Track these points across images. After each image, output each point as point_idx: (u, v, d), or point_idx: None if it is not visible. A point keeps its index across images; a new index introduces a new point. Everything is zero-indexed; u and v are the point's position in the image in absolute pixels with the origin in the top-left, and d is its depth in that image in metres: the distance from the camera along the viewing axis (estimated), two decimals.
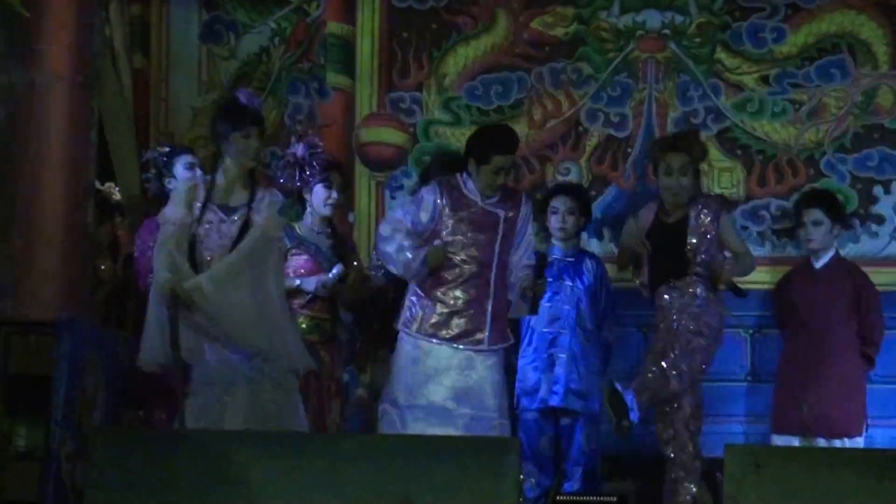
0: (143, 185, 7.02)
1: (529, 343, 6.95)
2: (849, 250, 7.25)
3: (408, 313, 6.14)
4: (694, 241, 6.54)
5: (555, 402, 6.87)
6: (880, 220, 7.50)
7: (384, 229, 6.21)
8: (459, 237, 6.16)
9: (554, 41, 7.69)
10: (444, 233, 6.15)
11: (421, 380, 6.05)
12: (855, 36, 7.56)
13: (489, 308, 6.13)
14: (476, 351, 6.10)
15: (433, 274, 6.13)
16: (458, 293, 6.12)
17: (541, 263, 6.20)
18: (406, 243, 6.09)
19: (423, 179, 6.75)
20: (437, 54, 7.73)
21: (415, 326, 6.10)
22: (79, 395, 5.75)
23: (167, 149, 6.53)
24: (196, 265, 5.67)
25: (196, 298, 5.56)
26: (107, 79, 6.94)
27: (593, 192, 7.55)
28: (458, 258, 6.15)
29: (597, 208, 7.50)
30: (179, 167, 6.40)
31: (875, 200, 7.52)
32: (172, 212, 5.73)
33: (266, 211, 5.76)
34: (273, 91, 7.74)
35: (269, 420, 5.66)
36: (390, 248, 6.11)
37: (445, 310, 6.10)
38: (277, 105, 7.76)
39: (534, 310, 6.26)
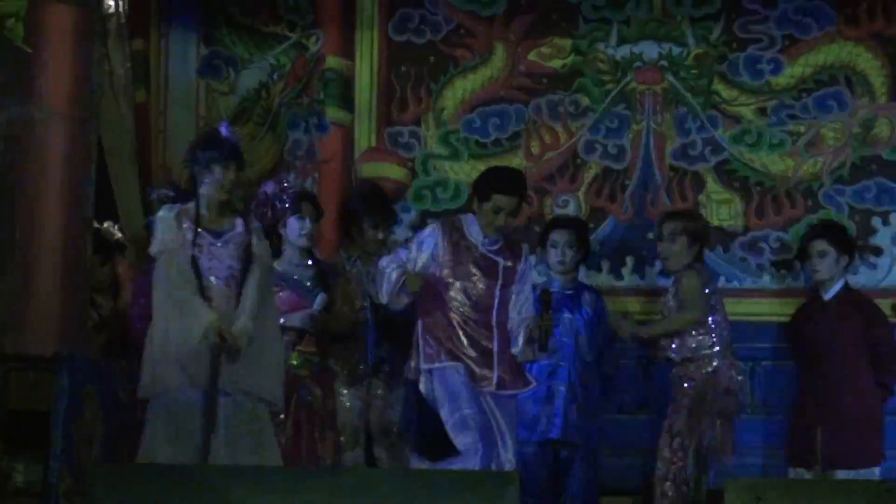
0: (146, 220, 7.06)
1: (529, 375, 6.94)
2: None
3: (426, 354, 6.11)
4: None
5: (554, 434, 6.86)
6: (878, 251, 7.51)
7: (382, 261, 6.23)
8: (460, 280, 6.14)
9: (551, 73, 7.72)
10: (445, 275, 6.13)
11: (460, 395, 6.02)
12: (852, 67, 7.59)
13: (494, 350, 6.11)
14: (486, 392, 6.08)
15: (434, 317, 6.10)
16: (461, 336, 6.10)
17: (545, 299, 6.14)
18: (394, 275, 6.08)
19: (348, 213, 6.84)
20: (436, 88, 7.76)
21: (429, 361, 6.08)
22: (77, 431, 5.73)
23: (172, 193, 6.52)
24: (202, 290, 5.70)
25: (243, 343, 5.60)
26: (109, 114, 6.96)
27: (591, 224, 7.55)
28: (458, 301, 6.13)
29: (595, 241, 7.51)
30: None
31: (873, 232, 7.52)
32: (171, 237, 5.75)
33: (261, 240, 5.82)
34: (272, 126, 7.76)
35: (246, 452, 5.64)
36: (380, 279, 6.14)
37: (452, 351, 6.08)
38: (276, 140, 7.78)
39: (543, 348, 6.17)
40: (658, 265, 7.59)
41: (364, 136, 7.75)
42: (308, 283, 6.44)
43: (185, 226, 5.75)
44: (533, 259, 7.46)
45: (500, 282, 6.16)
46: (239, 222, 5.82)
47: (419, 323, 6.16)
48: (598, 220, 7.65)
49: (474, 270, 6.14)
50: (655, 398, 7.09)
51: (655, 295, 7.53)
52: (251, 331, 5.65)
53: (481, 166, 7.64)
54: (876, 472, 6.77)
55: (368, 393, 6.64)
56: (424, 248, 6.15)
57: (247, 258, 5.75)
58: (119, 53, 7.16)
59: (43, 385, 5.65)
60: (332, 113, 7.73)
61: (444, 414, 6.03)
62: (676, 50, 7.67)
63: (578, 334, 6.98)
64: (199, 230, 5.74)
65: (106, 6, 6.94)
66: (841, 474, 6.65)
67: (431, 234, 6.18)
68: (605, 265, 7.64)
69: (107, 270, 6.70)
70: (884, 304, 7.16)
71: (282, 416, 6.25)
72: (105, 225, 6.78)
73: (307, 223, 6.47)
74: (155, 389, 5.72)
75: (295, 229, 6.46)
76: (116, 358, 6.54)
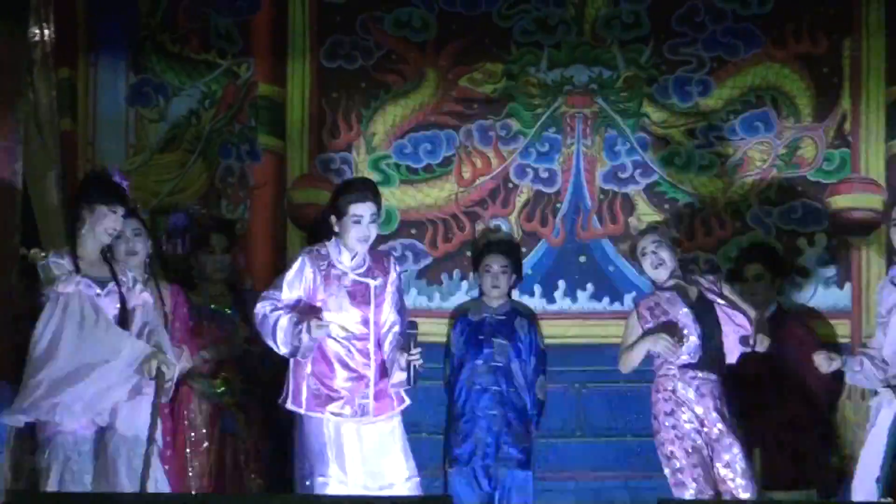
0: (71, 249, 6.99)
1: (462, 399, 6.93)
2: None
3: (293, 391, 6.01)
4: None
5: (487, 459, 6.84)
6: (805, 272, 7.55)
7: (259, 307, 5.99)
8: (334, 312, 6.06)
9: (482, 98, 7.73)
10: (314, 303, 6.03)
11: (323, 453, 5.95)
12: (778, 88, 7.64)
13: (372, 381, 6.04)
14: (364, 423, 6.01)
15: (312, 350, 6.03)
16: (338, 368, 6.03)
17: (411, 332, 5.97)
18: (285, 322, 5.93)
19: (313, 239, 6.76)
20: (367, 113, 7.75)
21: (302, 405, 5.98)
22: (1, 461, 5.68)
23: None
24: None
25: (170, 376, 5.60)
26: (32, 143, 6.90)
27: (524, 249, 7.54)
28: (335, 333, 6.05)
29: (527, 264, 7.51)
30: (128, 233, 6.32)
31: (800, 253, 7.56)
32: (74, 285, 5.69)
33: (144, 288, 5.82)
34: (203, 153, 7.72)
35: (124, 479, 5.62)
36: (267, 328, 5.95)
37: (328, 385, 6.00)
38: (207, 167, 7.74)
39: (411, 382, 6.00)
40: (590, 289, 7.60)
41: (296, 162, 7.72)
42: (228, 312, 6.40)
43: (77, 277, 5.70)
44: (465, 284, 7.51)
45: (373, 306, 6.08)
46: (111, 274, 5.78)
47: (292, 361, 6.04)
48: (530, 244, 7.64)
49: (348, 299, 6.05)
50: (588, 422, 7.12)
51: (587, 318, 7.54)
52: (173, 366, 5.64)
53: (413, 192, 7.69)
54: (814, 494, 6.78)
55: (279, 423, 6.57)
56: (296, 287, 6.03)
57: (123, 310, 5.73)
58: (44, 83, 7.11)
59: None
60: (264, 139, 7.71)
61: (297, 464, 6.00)
62: (606, 73, 7.70)
63: (511, 359, 6.96)
64: (84, 278, 5.69)
65: (31, 34, 6.89)
66: (782, 496, 6.66)
67: (300, 270, 6.05)
68: (538, 289, 7.63)
69: (34, 297, 6.63)
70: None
71: (205, 444, 6.21)
72: (32, 251, 6.72)
73: (217, 257, 6.44)
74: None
75: (208, 265, 6.44)
76: None
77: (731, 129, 7.65)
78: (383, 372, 6.04)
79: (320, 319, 5.90)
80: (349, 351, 6.01)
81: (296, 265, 6.08)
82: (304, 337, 5.84)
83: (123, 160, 7.65)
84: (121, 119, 7.71)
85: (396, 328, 6.07)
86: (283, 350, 5.94)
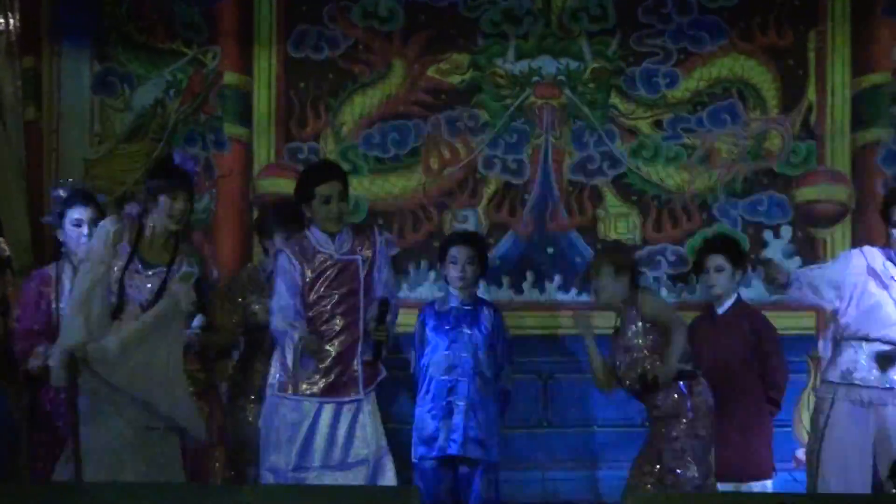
0: (33, 234, 6.97)
1: (427, 391, 6.93)
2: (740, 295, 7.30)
3: (276, 373, 6.04)
4: None
5: (453, 450, 6.83)
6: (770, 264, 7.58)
7: (274, 323, 6.04)
8: (322, 294, 6.06)
9: (450, 88, 7.72)
10: (312, 289, 6.03)
11: (297, 440, 5.95)
12: (745, 80, 7.67)
13: (359, 362, 6.05)
14: (350, 402, 6.02)
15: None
16: (328, 351, 6.02)
17: (382, 309, 6.01)
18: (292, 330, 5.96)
19: (260, 231, 6.77)
20: (334, 103, 7.73)
21: (288, 387, 5.99)
22: None
23: (64, 195, 6.42)
24: (121, 309, 5.67)
25: (97, 360, 5.53)
26: None
27: (491, 240, 7.56)
28: (325, 316, 6.06)
29: (495, 255, 7.51)
30: (67, 223, 6.29)
31: (765, 245, 7.60)
32: (99, 250, 5.70)
33: (181, 281, 5.77)
34: (169, 142, 7.68)
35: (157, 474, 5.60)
36: (280, 337, 6.02)
37: (318, 369, 6.00)
38: None
39: (375, 356, 6.03)
40: (557, 280, 7.62)
41: (263, 151, 7.71)
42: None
43: (121, 245, 5.71)
44: (433, 274, 7.50)
45: (361, 283, 6.09)
46: (176, 262, 5.78)
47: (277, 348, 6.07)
48: (498, 234, 7.65)
49: (336, 281, 6.07)
50: (554, 413, 7.12)
51: (555, 309, 7.56)
52: (114, 353, 5.56)
53: (381, 182, 7.67)
54: (768, 486, 6.81)
55: None
56: (288, 282, 6.03)
57: (161, 292, 5.72)
58: (9, 71, 7.08)
59: None
60: (230, 129, 7.68)
61: (262, 446, 6.01)
62: (574, 64, 7.71)
63: (477, 350, 6.96)
64: (135, 256, 5.70)
65: None
66: (732, 487, 6.68)
67: (284, 263, 6.05)
68: (506, 280, 7.64)
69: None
70: (776, 318, 7.22)
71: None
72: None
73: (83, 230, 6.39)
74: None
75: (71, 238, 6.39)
76: (3, 377, 6.42)
77: (699, 120, 7.67)
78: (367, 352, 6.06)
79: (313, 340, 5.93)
80: (340, 332, 6.01)
81: (279, 260, 6.09)
82: (309, 366, 5.95)
83: (87, 149, 7.62)
84: (85, 108, 7.67)
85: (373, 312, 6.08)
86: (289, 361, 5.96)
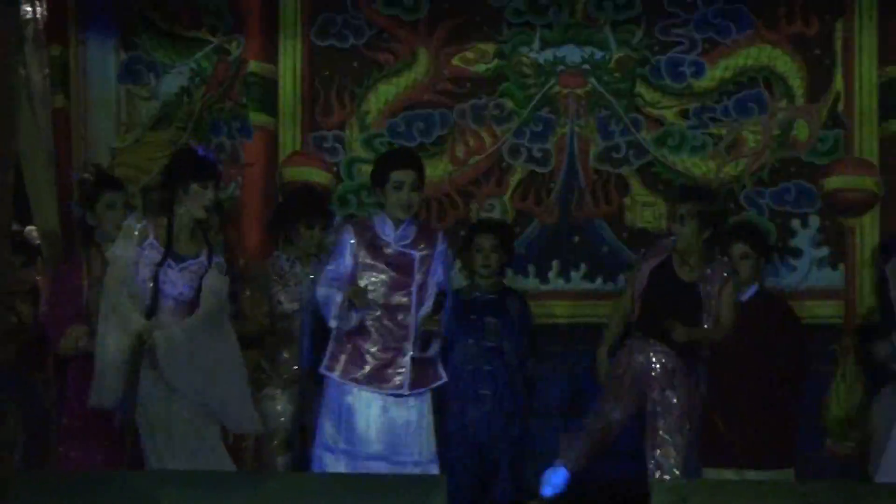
0: (62, 221, 6.99)
1: (453, 379, 6.92)
2: (767, 284, 7.30)
3: (329, 357, 6.05)
4: None
5: (481, 438, 6.85)
6: (798, 253, 7.59)
7: (319, 290, 6.02)
8: (375, 281, 6.07)
9: (475, 77, 7.73)
10: (362, 277, 6.03)
11: (346, 424, 5.97)
12: (771, 69, 7.66)
13: (408, 353, 6.05)
14: (396, 395, 6.01)
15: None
16: (376, 337, 6.03)
17: (439, 300, 5.97)
18: (339, 297, 5.92)
19: (279, 218, 6.77)
20: (359, 92, 7.74)
21: (337, 370, 6.02)
22: None
23: (93, 178, 6.44)
24: (156, 306, 5.66)
25: (161, 346, 5.56)
26: (24, 120, 6.87)
27: (517, 228, 7.56)
28: (376, 303, 6.04)
29: (521, 244, 7.52)
30: (101, 206, 6.30)
31: (793, 234, 7.60)
32: (124, 250, 5.70)
33: (218, 271, 5.80)
34: (195, 131, 7.70)
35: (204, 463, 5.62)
36: (327, 307, 5.98)
37: (364, 354, 6.00)
38: (198, 145, 7.71)
39: (423, 348, 6.00)
40: (583, 268, 7.62)
41: (288, 140, 7.72)
42: None
43: (148, 241, 5.69)
44: (458, 263, 7.51)
45: (416, 277, 6.08)
46: (203, 253, 5.78)
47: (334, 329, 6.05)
48: (523, 223, 7.66)
49: (390, 270, 6.06)
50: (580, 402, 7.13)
51: (581, 298, 7.56)
52: (179, 340, 5.59)
53: None
54: (791, 473, 6.81)
55: (304, 397, 6.56)
56: (347, 255, 6.04)
57: (199, 288, 5.71)
58: (36, 59, 7.10)
59: None
60: (256, 117, 7.69)
61: (319, 426, 6.01)
62: (599, 54, 7.71)
63: (503, 338, 6.97)
64: (162, 249, 5.69)
65: (23, 12, 6.86)
66: (754, 475, 6.69)
67: (346, 239, 6.04)
68: (532, 269, 7.65)
69: (28, 274, 6.61)
70: (803, 306, 7.22)
71: None
72: (27, 228, 6.70)
73: (118, 214, 6.38)
74: (101, 401, 5.62)
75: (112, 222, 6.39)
76: (34, 364, 6.45)
77: (724, 109, 7.67)
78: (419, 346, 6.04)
79: (362, 289, 5.91)
80: (388, 322, 6.01)
81: (342, 234, 6.08)
82: (352, 314, 5.87)
83: (114, 138, 7.64)
84: (112, 97, 7.70)
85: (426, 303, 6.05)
86: (332, 323, 5.93)
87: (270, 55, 7.73)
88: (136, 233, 5.71)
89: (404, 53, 7.74)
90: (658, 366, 6.41)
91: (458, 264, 7.54)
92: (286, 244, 6.82)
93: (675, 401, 6.38)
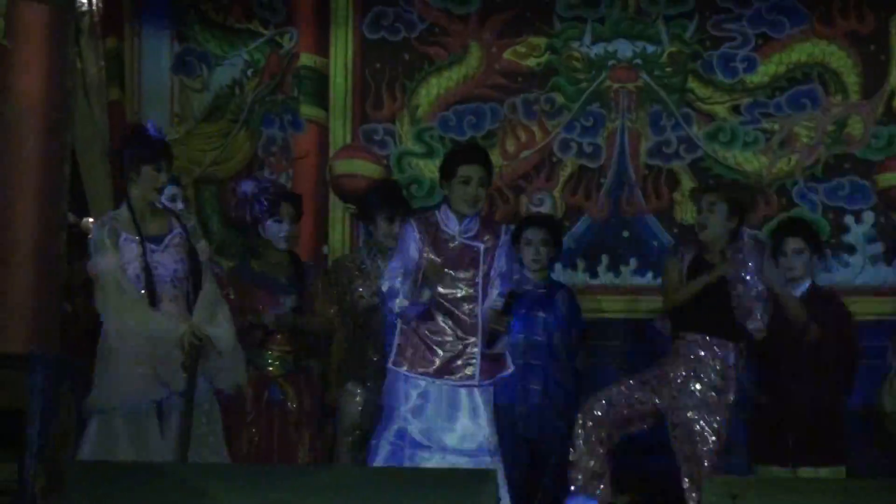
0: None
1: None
2: (820, 280, 7.26)
3: (396, 350, 6.03)
4: None
5: (530, 433, 6.86)
6: (851, 249, 7.56)
7: (383, 285, 5.97)
8: (446, 273, 6.06)
9: (526, 71, 7.74)
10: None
11: (411, 416, 5.97)
12: (825, 65, 7.63)
13: (477, 343, 6.05)
14: (466, 387, 6.02)
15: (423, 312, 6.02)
16: (444, 329, 6.04)
17: (509, 301, 5.94)
18: (407, 283, 5.90)
19: (362, 213, 6.77)
20: (410, 85, 7.76)
21: (404, 364, 6.04)
22: (53, 429, 5.69)
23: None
24: (153, 295, 5.57)
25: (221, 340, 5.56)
26: (80, 112, 6.92)
27: (567, 223, 7.56)
28: (442, 295, 6.04)
29: (570, 239, 7.52)
30: (163, 199, 6.30)
31: (846, 230, 7.57)
32: (106, 261, 5.56)
33: (199, 239, 5.71)
34: (246, 123, 7.76)
35: (198, 448, 5.59)
36: (389, 296, 5.94)
37: (433, 346, 6.01)
38: (250, 137, 7.77)
39: (489, 345, 5.97)
40: (633, 263, 7.61)
41: (339, 133, 7.75)
42: (285, 283, 6.40)
43: (123, 238, 5.56)
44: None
45: (481, 269, 6.08)
46: (173, 223, 5.65)
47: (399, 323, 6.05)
48: (573, 218, 7.67)
49: (455, 263, 6.06)
50: None
51: (631, 293, 7.55)
52: (222, 336, 5.59)
53: None
54: (842, 471, 6.78)
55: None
56: (412, 250, 5.99)
57: (191, 259, 5.61)
58: (92, 52, 7.14)
59: (17, 384, 5.61)
60: (307, 110, 7.73)
61: (384, 420, 5.99)
62: (651, 48, 7.70)
63: (552, 332, 6.96)
64: (131, 237, 5.55)
65: (79, 4, 6.91)
66: (806, 472, 6.66)
67: (410, 236, 6.01)
68: (581, 263, 7.65)
69: (82, 266, 6.65)
70: (858, 303, 7.18)
71: (251, 415, 6.24)
72: (84, 220, 6.75)
73: (285, 226, 6.41)
74: (111, 402, 5.58)
75: (273, 232, 6.40)
76: (88, 356, 6.50)
77: (777, 105, 7.64)
78: (485, 338, 6.04)
79: (438, 264, 5.92)
80: (457, 314, 6.01)
81: (405, 231, 6.05)
82: (425, 293, 5.87)
83: (167, 129, 7.68)
84: (165, 88, 7.76)
85: (494, 296, 6.04)
86: (396, 308, 5.88)
87: (322, 48, 7.77)
88: (106, 240, 5.55)
89: (456, 47, 7.76)
90: (705, 358, 6.39)
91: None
92: (367, 238, 6.82)
93: (713, 394, 6.37)
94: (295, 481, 5.09)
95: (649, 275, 7.60)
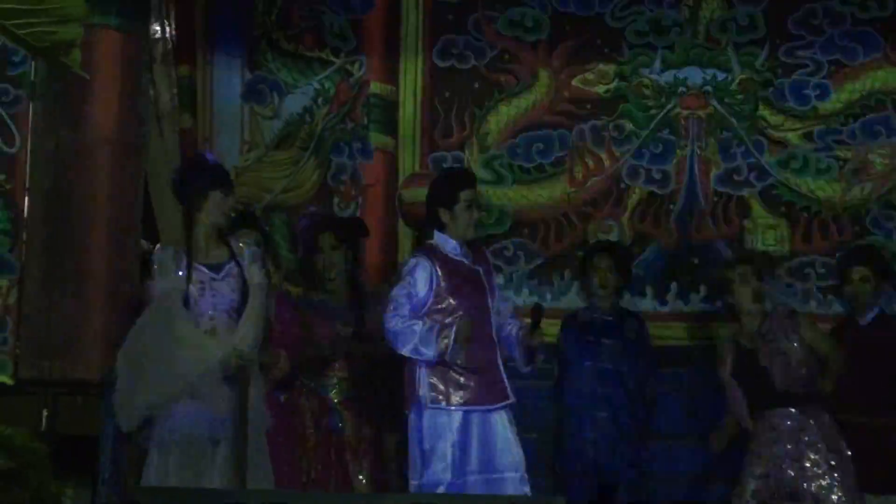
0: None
1: (571, 401, 6.91)
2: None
3: (430, 388, 5.94)
4: None
5: (599, 461, 6.82)
6: None
7: (390, 322, 5.91)
8: (456, 301, 5.99)
9: (595, 98, 7.72)
10: (440, 301, 5.96)
11: (451, 451, 5.94)
12: None
13: (499, 362, 6.01)
14: (492, 410, 5.99)
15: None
16: (466, 356, 5.95)
17: (536, 316, 5.94)
18: (432, 332, 5.87)
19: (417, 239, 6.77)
20: (479, 113, 7.77)
21: (443, 399, 5.94)
22: (125, 455, 5.76)
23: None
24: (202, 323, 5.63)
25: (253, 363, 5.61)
26: (152, 139, 7.00)
27: (636, 250, 7.53)
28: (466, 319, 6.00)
29: (639, 266, 7.48)
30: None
31: None
32: (171, 283, 5.64)
33: (256, 264, 5.75)
34: (316, 151, 7.78)
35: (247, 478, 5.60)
36: (408, 338, 5.89)
37: (458, 375, 5.95)
38: (320, 165, 7.80)
39: (530, 361, 6.00)
40: (703, 290, 7.57)
41: (408, 161, 7.76)
42: (343, 311, 6.42)
43: (184, 263, 5.63)
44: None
45: (487, 290, 6.09)
46: (228, 255, 5.71)
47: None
48: (642, 245, 7.62)
49: (469, 287, 6.05)
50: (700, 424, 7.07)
51: (699, 321, 7.50)
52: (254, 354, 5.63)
53: (525, 192, 7.69)
54: None
55: None
56: (422, 287, 5.95)
57: (244, 289, 5.67)
58: (165, 79, 7.22)
59: (91, 410, 5.68)
60: (376, 138, 7.75)
61: (419, 458, 5.95)
62: (721, 75, 7.66)
63: (620, 360, 6.93)
64: (196, 265, 5.63)
65: (153, 32, 6.99)
66: (874, 500, 6.59)
67: (422, 270, 5.95)
68: (650, 290, 7.61)
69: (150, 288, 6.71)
70: None
71: (311, 441, 6.25)
72: (157, 247, 6.81)
73: (325, 256, 6.43)
74: (172, 436, 5.60)
75: (318, 264, 6.45)
76: None
77: (850, 132, 7.57)
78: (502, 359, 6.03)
79: (447, 323, 5.91)
80: (474, 338, 5.98)
81: (414, 267, 5.98)
82: (444, 342, 5.85)
83: (238, 157, 7.75)
84: (236, 116, 7.80)
85: (505, 315, 6.07)
86: (429, 354, 5.86)
87: (391, 76, 7.79)
88: (171, 263, 5.65)
89: (525, 74, 7.76)
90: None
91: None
92: None
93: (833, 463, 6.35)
94: None
95: (719, 302, 7.53)
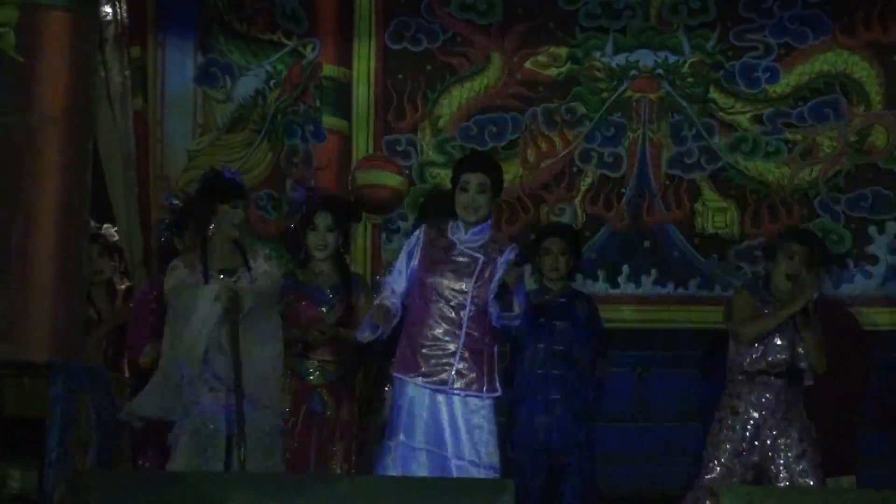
0: (144, 226, 7.10)
1: (522, 384, 6.92)
2: (843, 290, 7.27)
3: (397, 355, 6.05)
4: None
5: (549, 443, 6.84)
6: (874, 260, 7.53)
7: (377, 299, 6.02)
8: (435, 277, 6.06)
9: (547, 81, 7.75)
10: (422, 272, 5.98)
11: (402, 418, 5.99)
12: (848, 76, 7.62)
13: (458, 350, 6.03)
14: (446, 393, 6.00)
15: (412, 314, 6.05)
16: (429, 333, 5.97)
17: (519, 261, 5.88)
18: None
19: (420, 220, 6.75)
20: (432, 96, 7.78)
21: (396, 365, 6.06)
22: (72, 437, 5.73)
23: (180, 205, 6.50)
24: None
25: (247, 299, 5.76)
26: (104, 121, 6.97)
27: (588, 233, 7.56)
28: (433, 298, 6.06)
29: (591, 249, 7.51)
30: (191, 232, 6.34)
31: (869, 240, 7.54)
32: (174, 280, 5.83)
33: (268, 271, 5.93)
34: (269, 133, 7.78)
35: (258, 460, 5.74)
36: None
37: (418, 349, 5.96)
38: (273, 148, 7.79)
39: (508, 306, 5.87)
40: (654, 273, 7.60)
41: (361, 143, 7.77)
42: (328, 294, 6.40)
43: (198, 268, 5.82)
44: (528, 268, 7.48)
45: (475, 278, 6.07)
46: (242, 262, 5.90)
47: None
48: (594, 228, 7.66)
49: (449, 268, 6.06)
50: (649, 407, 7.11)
51: (651, 303, 7.54)
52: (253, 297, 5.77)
53: None
54: (853, 480, 6.75)
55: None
56: (403, 257, 6.00)
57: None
58: (117, 61, 7.17)
59: (38, 392, 5.64)
60: (329, 120, 7.75)
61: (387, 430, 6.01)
62: (672, 58, 7.70)
63: (572, 342, 6.94)
64: (212, 272, 5.81)
65: (103, 14, 6.94)
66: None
67: (409, 241, 6.05)
68: (601, 273, 7.64)
69: (104, 263, 6.70)
70: (881, 313, 7.16)
71: (290, 423, 6.24)
72: (105, 226, 6.80)
73: (320, 235, 6.41)
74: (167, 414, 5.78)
75: (311, 242, 6.40)
76: (110, 363, 6.54)
77: (800, 115, 7.63)
78: (471, 348, 6.02)
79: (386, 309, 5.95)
80: (442, 317, 6.01)
81: (410, 237, 6.08)
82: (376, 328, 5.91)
83: (190, 140, 7.73)
84: (189, 99, 7.80)
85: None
86: (365, 334, 5.88)
87: (345, 59, 7.80)
88: (182, 266, 5.84)
89: (478, 57, 7.78)
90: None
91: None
92: None
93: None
94: (314, 490, 5.10)
95: (670, 285, 7.60)
